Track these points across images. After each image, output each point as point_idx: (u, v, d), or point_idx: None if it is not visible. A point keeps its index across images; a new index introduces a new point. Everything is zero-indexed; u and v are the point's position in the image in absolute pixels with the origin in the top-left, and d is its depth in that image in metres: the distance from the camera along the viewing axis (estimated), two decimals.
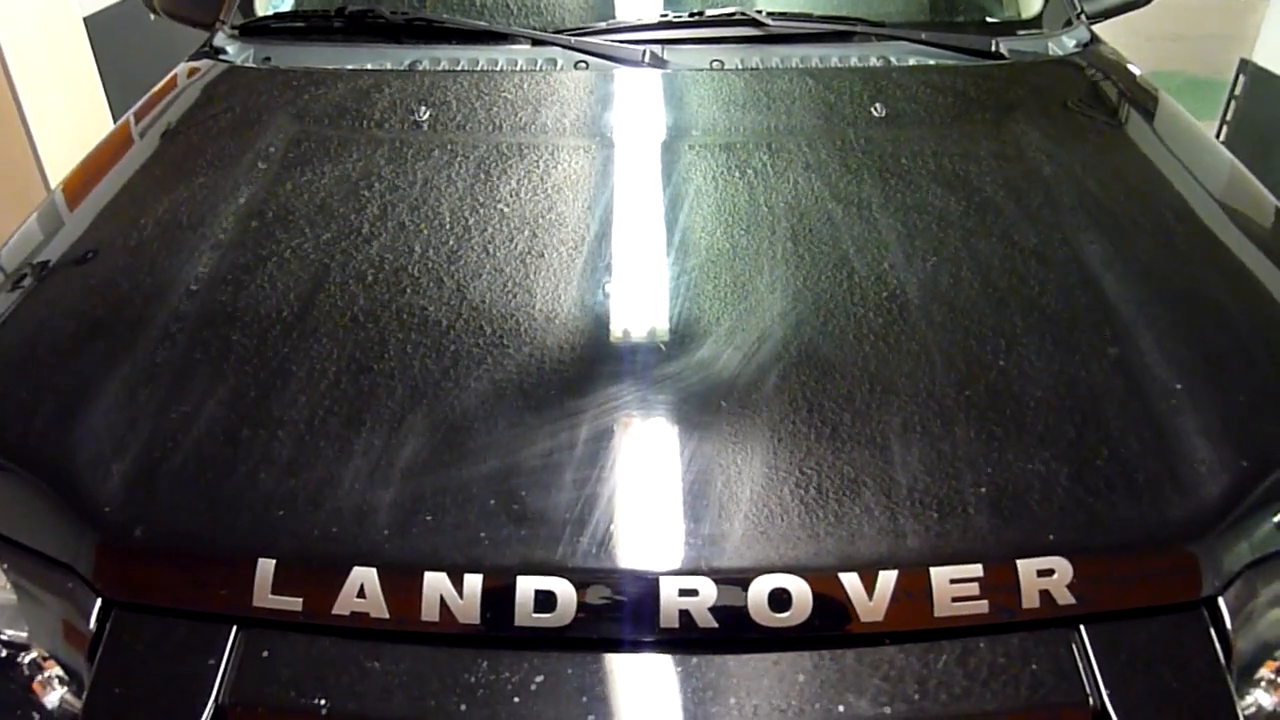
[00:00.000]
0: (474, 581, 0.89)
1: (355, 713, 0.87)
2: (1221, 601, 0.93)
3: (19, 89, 3.10)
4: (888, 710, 0.86)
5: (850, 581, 0.89)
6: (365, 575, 0.89)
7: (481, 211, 1.32)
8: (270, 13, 1.97)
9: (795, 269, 1.21)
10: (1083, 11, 1.93)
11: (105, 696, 0.90)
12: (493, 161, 1.43)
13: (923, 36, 1.76)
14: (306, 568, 0.91)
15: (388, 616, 0.89)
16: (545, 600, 0.88)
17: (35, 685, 0.97)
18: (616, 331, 1.14)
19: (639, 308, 1.17)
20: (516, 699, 0.86)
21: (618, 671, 0.89)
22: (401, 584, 0.89)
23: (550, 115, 1.56)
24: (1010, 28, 1.96)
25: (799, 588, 0.88)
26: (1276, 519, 0.97)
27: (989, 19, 2.04)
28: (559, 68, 1.70)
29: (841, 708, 0.86)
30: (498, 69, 1.69)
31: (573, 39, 1.71)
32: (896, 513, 0.92)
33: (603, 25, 1.75)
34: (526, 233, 1.28)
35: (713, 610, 0.88)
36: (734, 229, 1.29)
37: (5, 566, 1.00)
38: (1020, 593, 0.89)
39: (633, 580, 0.89)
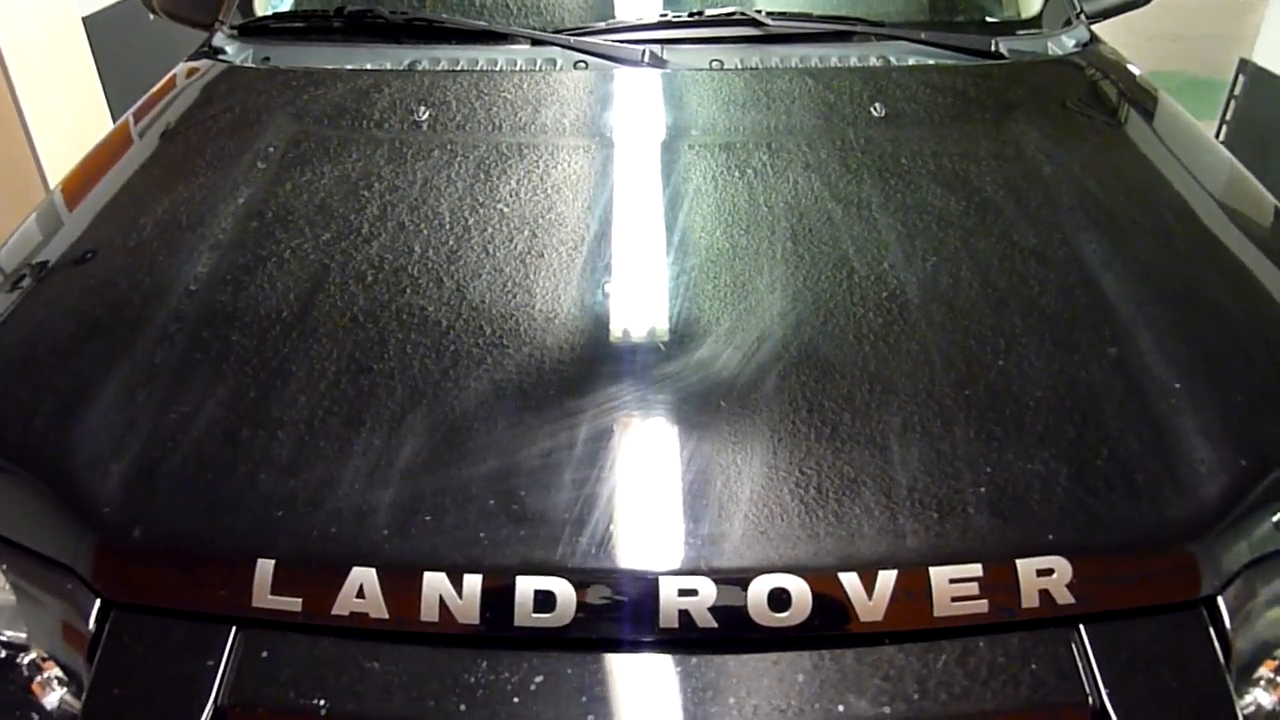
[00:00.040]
0: (473, 582, 0.89)
1: (355, 713, 0.87)
2: (1221, 601, 0.93)
3: (18, 89, 3.10)
4: (887, 710, 0.86)
5: (850, 581, 0.88)
6: (365, 575, 0.89)
7: (481, 211, 1.32)
8: (269, 13, 1.97)
9: (795, 269, 1.21)
10: (1082, 11, 1.93)
11: (104, 697, 0.90)
12: (492, 161, 1.43)
13: (922, 36, 1.76)
14: (306, 568, 0.91)
15: (387, 617, 0.89)
16: (545, 600, 0.88)
17: (34, 686, 0.97)
18: (616, 331, 1.14)
19: (638, 307, 1.17)
20: (516, 699, 0.86)
21: (617, 671, 0.89)
22: (401, 584, 0.89)
23: (550, 115, 1.56)
24: (1010, 27, 1.96)
25: (798, 587, 0.88)
26: (1276, 519, 0.97)
27: (989, 19, 2.05)
28: (558, 68, 1.70)
29: (841, 708, 0.86)
30: (497, 69, 1.69)
31: (572, 39, 1.71)
32: (896, 512, 0.92)
33: (602, 25, 1.75)
34: (526, 233, 1.28)
35: (712, 610, 0.88)
36: (733, 229, 1.29)
37: (4, 567, 0.99)
38: (1020, 592, 0.89)
39: (632, 580, 0.89)
